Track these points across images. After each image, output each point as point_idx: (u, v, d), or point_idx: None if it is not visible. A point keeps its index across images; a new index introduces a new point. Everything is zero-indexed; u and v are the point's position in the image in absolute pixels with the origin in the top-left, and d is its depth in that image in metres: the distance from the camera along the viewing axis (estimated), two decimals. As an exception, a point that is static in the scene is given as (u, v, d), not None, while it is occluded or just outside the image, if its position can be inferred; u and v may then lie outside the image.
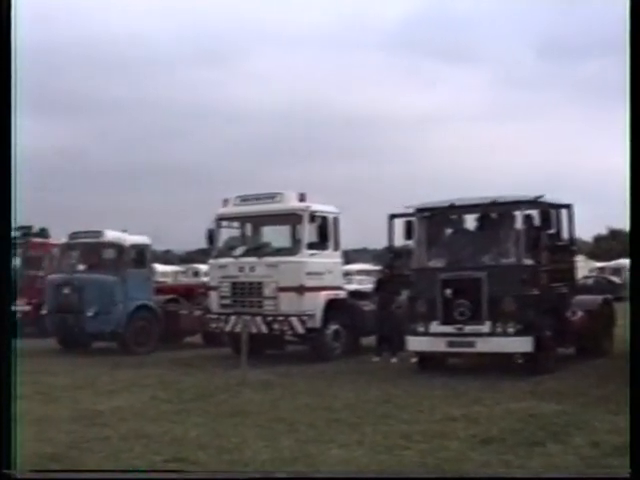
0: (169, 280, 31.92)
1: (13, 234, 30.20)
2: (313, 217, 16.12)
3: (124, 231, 19.16)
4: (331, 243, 16.54)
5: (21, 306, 21.49)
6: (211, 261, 17.19)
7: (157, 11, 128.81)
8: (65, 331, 18.49)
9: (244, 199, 16.92)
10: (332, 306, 16.33)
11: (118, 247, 18.38)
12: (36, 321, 20.79)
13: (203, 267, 34.63)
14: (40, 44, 76.04)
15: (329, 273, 16.45)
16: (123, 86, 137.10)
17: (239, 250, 16.92)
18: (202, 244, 18.51)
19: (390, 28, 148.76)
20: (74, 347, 18.54)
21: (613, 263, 46.25)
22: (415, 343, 13.91)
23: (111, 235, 18.61)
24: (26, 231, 42.23)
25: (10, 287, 5.36)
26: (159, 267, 19.50)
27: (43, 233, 41.66)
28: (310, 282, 15.92)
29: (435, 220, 14.67)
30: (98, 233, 18.62)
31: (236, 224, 17.84)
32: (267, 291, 15.99)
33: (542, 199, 13.64)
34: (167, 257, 52.90)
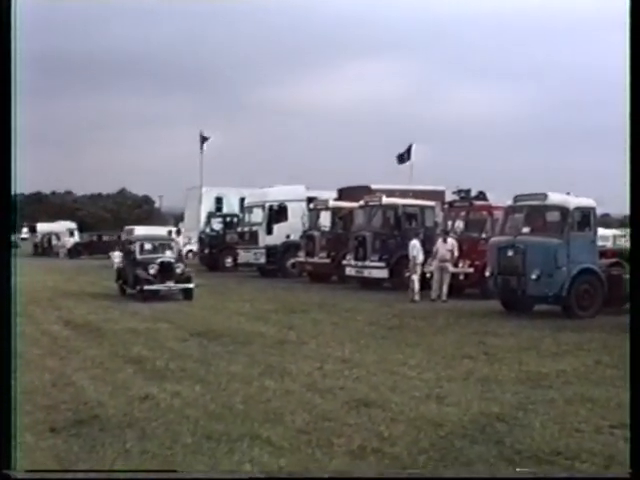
0: (608, 244, 31.04)
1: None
2: None
3: (568, 193, 18.93)
4: None
5: (464, 268, 22.29)
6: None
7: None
8: (508, 293, 18.75)
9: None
10: None
11: (563, 210, 18.14)
12: (479, 283, 21.41)
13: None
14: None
15: None
16: (562, 52, 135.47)
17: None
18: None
19: None
20: (516, 309, 18.74)
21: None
22: None
23: (556, 197, 18.44)
24: (465, 194, 43.71)
25: (9, 285, 5.47)
26: (600, 230, 19.05)
27: (481, 196, 42.81)
28: None
29: None
30: (542, 195, 18.52)
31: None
32: None
33: None
34: (606, 220, 51.43)
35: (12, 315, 5.24)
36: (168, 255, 23.02)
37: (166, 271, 21.92)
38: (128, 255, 23.76)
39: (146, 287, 21.61)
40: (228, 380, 10.17)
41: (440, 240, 21.95)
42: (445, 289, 21.57)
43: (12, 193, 5.46)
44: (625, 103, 5.58)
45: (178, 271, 22.11)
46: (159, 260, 22.17)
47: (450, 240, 21.85)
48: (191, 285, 22.15)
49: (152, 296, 21.43)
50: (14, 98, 5.34)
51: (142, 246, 23.39)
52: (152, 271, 21.77)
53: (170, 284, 21.98)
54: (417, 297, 21.49)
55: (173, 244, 24.73)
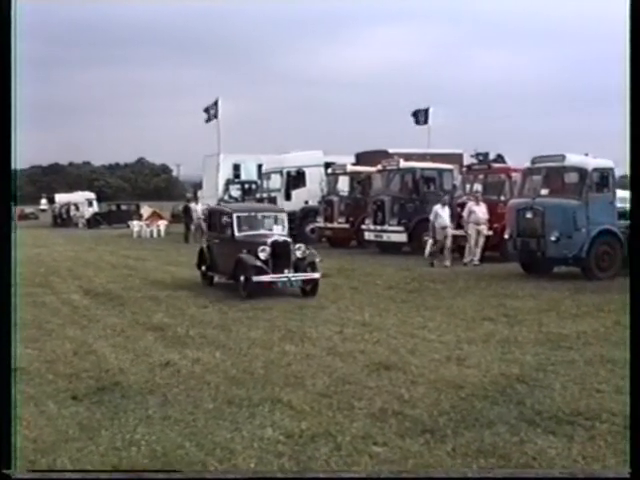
0: (628, 205, 30.70)
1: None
2: None
3: (586, 154, 18.78)
4: None
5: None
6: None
7: None
8: (527, 255, 18.65)
9: None
10: None
11: (581, 171, 17.96)
12: (499, 246, 21.31)
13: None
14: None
15: None
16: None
17: None
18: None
19: None
20: (536, 271, 18.67)
21: None
22: None
23: (574, 159, 18.27)
24: (483, 157, 43.50)
25: (9, 277, 5.44)
26: (619, 192, 18.71)
27: (499, 159, 42.63)
28: None
29: None
30: (560, 157, 18.35)
31: None
32: None
33: None
34: (625, 182, 50.99)
35: (11, 319, 5.27)
36: (279, 232, 16.52)
37: (281, 255, 15.55)
38: (221, 232, 17.19)
39: (255, 278, 15.05)
40: (248, 346, 10.23)
41: (472, 203, 21.64)
42: (479, 252, 21.41)
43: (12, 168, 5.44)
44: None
45: (298, 254, 15.87)
46: (270, 240, 15.65)
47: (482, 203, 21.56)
48: (317, 275, 15.65)
49: (259, 290, 15.20)
50: (14, 72, 5.30)
51: (241, 220, 16.63)
52: (263, 255, 15.26)
53: (289, 274, 15.38)
54: (448, 262, 21.09)
55: (282, 216, 17.47)
